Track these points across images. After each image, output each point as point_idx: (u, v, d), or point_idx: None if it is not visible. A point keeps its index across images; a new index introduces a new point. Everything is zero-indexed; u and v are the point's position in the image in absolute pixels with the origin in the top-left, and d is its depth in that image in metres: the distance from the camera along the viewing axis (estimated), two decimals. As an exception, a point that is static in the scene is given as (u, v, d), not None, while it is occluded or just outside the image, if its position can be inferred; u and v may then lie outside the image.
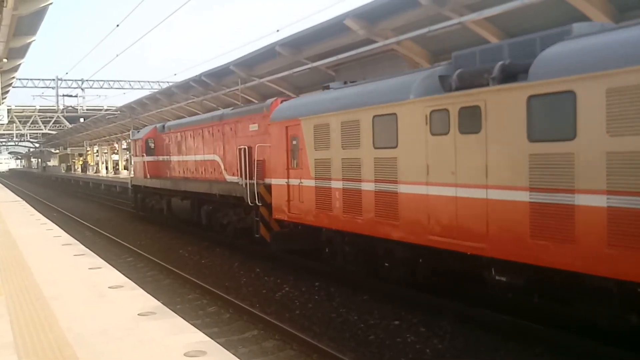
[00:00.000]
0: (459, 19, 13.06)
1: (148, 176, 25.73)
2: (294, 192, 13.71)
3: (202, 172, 21.13)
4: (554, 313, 9.05)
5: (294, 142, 13.59)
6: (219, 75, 26.25)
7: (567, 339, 8.27)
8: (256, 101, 23.74)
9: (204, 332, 5.72)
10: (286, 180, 13.94)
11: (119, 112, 48.20)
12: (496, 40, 13.65)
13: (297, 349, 9.06)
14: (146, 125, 32.49)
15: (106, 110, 58.35)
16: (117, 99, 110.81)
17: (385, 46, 15.67)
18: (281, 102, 15.27)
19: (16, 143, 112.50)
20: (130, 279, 8.32)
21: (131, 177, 29.35)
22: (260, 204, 15.32)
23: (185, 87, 30.80)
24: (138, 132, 29.86)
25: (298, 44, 19.12)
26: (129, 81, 67.24)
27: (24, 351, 5.14)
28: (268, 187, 15.16)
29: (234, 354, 5.03)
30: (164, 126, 25.76)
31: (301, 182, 13.35)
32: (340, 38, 17.12)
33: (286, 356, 8.95)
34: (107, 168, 71.73)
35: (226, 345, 7.95)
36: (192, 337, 5.39)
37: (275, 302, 11.99)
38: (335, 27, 16.66)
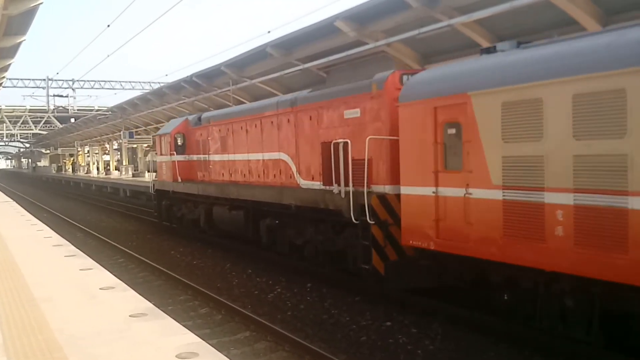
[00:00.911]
0: (449, 22, 13.12)
1: (179, 179, 20.79)
2: (451, 206, 9.40)
3: (259, 175, 16.21)
4: (544, 316, 9.11)
5: (451, 131, 9.43)
6: (210, 76, 26.25)
7: (556, 341, 8.32)
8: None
9: (195, 334, 5.73)
10: (433, 188, 9.67)
11: (110, 113, 48.04)
12: (486, 42, 13.73)
13: (289, 350, 9.09)
14: (175, 117, 27.99)
15: (97, 110, 58.21)
16: (108, 99, 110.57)
17: (376, 48, 15.70)
18: (402, 75, 11.00)
19: (6, 143, 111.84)
20: (121, 280, 8.30)
21: (153, 180, 24.37)
22: (372, 222, 10.68)
23: (176, 87, 30.78)
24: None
25: (289, 45, 19.15)
26: (120, 81, 67.28)
27: (14, 353, 5.14)
28: (383, 198, 10.88)
29: (226, 356, 5.05)
30: (199, 118, 20.59)
31: (468, 193, 8.98)
32: (331, 40, 17.15)
33: (278, 357, 8.97)
34: (98, 168, 71.45)
35: (218, 347, 7.96)
36: (184, 338, 5.39)
37: (268, 303, 12.01)
38: (326, 29, 16.69)
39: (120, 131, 47.53)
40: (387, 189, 10.98)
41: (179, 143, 21.06)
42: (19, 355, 5.10)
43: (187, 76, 27.62)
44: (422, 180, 9.93)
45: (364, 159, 11.01)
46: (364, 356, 8.79)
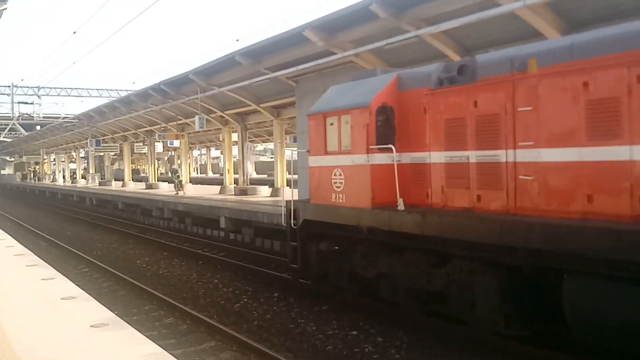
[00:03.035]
0: (416, 32, 13.25)
1: (401, 205, 9.68)
2: None
3: None
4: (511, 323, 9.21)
5: None
6: (178, 84, 26.07)
7: (523, 349, 8.39)
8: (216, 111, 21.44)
9: (159, 344, 5.65)
10: None
11: (76, 120, 47.34)
12: (453, 53, 13.90)
13: None
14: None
15: (63, 118, 57.35)
16: (74, 107, 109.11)
17: (344, 58, 15.79)
18: None
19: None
20: (85, 290, 8.16)
21: (294, 202, 12.64)
22: None
23: (144, 95, 30.48)
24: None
25: (258, 54, 19.14)
26: (86, 89, 66.54)
27: (-30, 365, 5.01)
28: None
29: (188, 366, 5.00)
30: (462, 68, 9.16)
31: None
32: (299, 49, 17.20)
33: (243, 367, 8.91)
34: (64, 177, 70.22)
35: (182, 357, 7.88)
36: (146, 348, 5.31)
37: (234, 313, 11.93)
38: (294, 38, 16.73)
39: (87, 139, 46.86)
40: None
41: (387, 128, 10.28)
42: (-26, 367, 4.97)
43: (155, 84, 27.39)
44: None
45: None
46: (330, 365, 8.78)
